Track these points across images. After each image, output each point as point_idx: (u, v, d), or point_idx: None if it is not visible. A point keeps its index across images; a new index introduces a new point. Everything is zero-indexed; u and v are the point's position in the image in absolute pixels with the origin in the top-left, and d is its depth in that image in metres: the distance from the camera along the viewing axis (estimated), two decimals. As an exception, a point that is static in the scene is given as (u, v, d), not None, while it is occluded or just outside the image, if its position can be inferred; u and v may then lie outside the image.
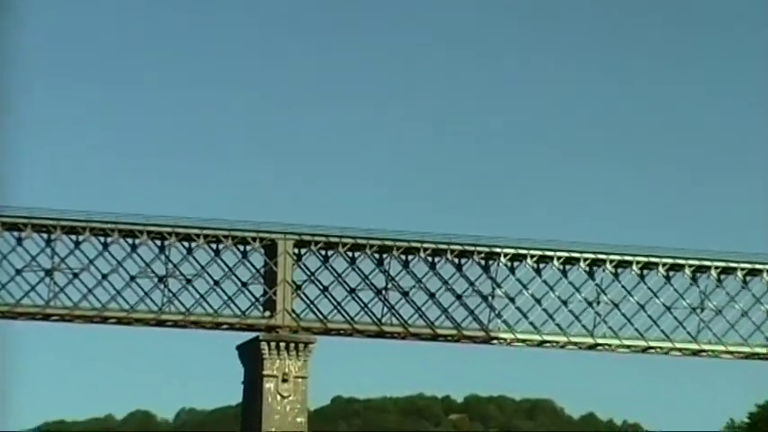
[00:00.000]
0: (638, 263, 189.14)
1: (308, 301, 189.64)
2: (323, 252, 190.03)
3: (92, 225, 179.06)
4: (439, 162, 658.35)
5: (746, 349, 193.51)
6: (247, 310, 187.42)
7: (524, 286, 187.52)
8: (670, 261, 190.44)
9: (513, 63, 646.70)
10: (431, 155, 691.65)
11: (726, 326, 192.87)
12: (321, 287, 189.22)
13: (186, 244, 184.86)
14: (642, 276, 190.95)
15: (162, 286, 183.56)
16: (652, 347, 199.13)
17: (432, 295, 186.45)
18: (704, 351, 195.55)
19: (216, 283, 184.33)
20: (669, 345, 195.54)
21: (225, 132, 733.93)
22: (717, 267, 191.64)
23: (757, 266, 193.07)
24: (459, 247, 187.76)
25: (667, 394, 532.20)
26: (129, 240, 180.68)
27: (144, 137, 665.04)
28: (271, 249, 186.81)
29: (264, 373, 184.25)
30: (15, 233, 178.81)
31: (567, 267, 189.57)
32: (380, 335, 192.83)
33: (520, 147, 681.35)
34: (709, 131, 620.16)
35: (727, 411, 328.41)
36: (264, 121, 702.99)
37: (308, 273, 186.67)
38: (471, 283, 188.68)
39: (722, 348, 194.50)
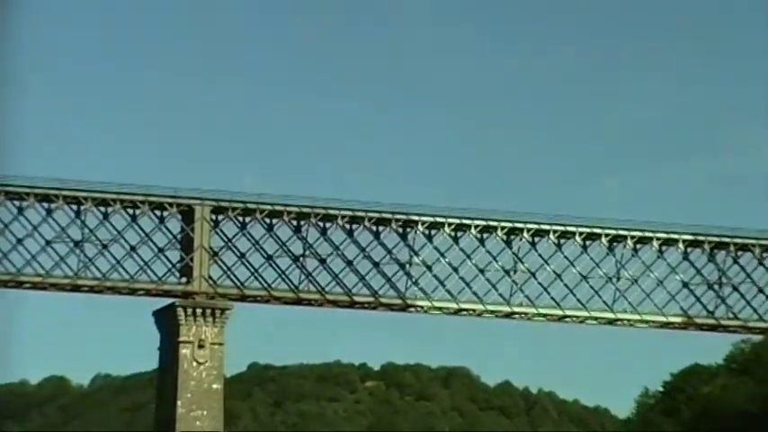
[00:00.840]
0: (554, 232, 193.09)
1: (225, 268, 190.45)
2: (240, 218, 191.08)
3: (7, 189, 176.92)
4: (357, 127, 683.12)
5: (661, 319, 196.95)
6: (164, 276, 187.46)
7: (441, 254, 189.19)
8: (587, 231, 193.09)
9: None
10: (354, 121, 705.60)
11: (641, 295, 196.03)
12: (238, 254, 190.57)
13: (102, 209, 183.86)
14: (559, 245, 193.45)
15: (78, 251, 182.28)
16: (568, 316, 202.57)
17: (349, 263, 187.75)
18: (619, 320, 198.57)
19: (132, 248, 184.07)
20: (585, 314, 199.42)
21: (144, 96, 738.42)
22: (633, 237, 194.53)
23: (673, 236, 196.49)
24: (377, 215, 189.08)
25: (583, 363, 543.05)
26: (45, 205, 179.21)
27: (59, 98, 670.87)
28: (188, 215, 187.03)
29: (180, 339, 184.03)
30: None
31: (485, 236, 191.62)
32: (297, 302, 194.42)
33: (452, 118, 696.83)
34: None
35: (642, 380, 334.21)
36: (185, 87, 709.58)
37: (226, 239, 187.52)
38: (389, 251, 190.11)
39: (637, 318, 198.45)
